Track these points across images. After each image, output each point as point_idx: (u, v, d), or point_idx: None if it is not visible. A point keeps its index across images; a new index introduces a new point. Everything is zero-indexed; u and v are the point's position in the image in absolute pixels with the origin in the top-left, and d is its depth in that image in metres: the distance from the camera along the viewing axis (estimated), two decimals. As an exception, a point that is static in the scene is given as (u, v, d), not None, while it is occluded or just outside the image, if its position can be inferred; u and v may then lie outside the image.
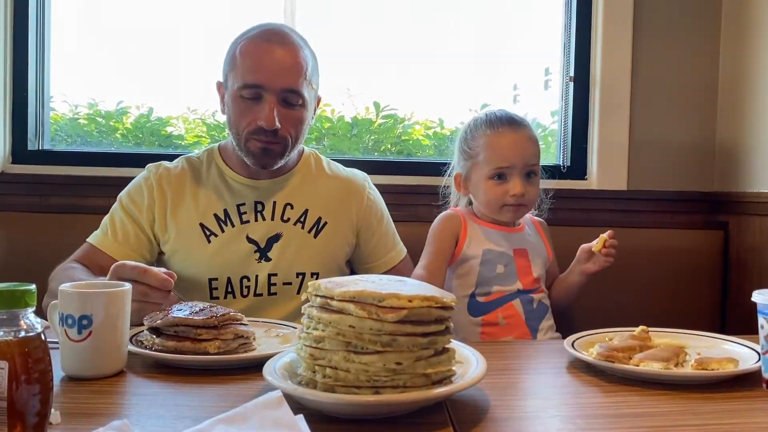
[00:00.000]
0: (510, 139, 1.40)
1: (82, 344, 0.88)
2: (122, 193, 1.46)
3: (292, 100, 1.36)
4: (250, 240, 1.41)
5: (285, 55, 1.35)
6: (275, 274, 1.41)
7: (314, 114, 1.48)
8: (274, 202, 1.44)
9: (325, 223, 1.46)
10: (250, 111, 1.35)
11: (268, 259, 1.41)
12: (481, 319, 1.40)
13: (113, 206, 1.45)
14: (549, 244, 1.52)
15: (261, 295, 1.40)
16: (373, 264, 1.53)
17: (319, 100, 1.49)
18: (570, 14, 1.98)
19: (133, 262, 1.09)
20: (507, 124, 1.41)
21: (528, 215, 1.53)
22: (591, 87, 1.96)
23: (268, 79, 1.33)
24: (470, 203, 1.52)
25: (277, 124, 1.33)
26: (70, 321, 0.88)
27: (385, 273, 1.51)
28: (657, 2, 1.94)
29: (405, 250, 1.58)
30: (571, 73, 1.97)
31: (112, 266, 1.09)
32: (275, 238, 1.42)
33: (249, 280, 1.40)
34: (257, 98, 1.34)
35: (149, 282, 1.05)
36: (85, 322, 0.88)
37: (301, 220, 1.45)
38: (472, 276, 1.42)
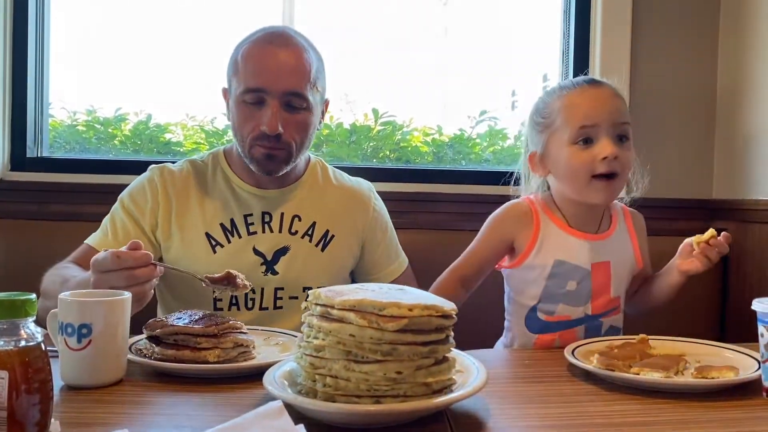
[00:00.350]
0: (592, 95, 1.19)
1: (81, 353, 0.88)
2: (123, 194, 1.42)
3: (295, 103, 1.32)
4: (256, 252, 1.38)
5: (287, 57, 1.31)
6: (282, 288, 1.38)
7: (322, 118, 1.45)
8: (282, 214, 1.41)
9: (333, 236, 1.43)
10: (253, 116, 1.32)
11: (274, 273, 1.38)
12: (537, 337, 1.26)
13: (113, 207, 1.42)
14: (640, 248, 1.31)
15: (267, 309, 1.38)
16: (375, 276, 1.51)
17: (327, 103, 1.46)
18: (569, 21, 1.99)
19: (103, 253, 1.03)
20: (585, 82, 1.22)
21: (621, 205, 1.34)
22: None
23: (270, 82, 1.29)
24: (548, 188, 1.30)
25: (280, 128, 1.30)
26: (69, 330, 0.88)
27: (392, 282, 1.49)
28: (656, 10, 1.95)
29: (406, 261, 1.57)
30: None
31: (92, 264, 1.04)
32: (282, 251, 1.39)
33: (254, 292, 1.37)
34: (260, 103, 1.31)
35: (128, 265, 1.01)
36: (84, 330, 0.87)
37: (309, 233, 1.42)
38: (536, 287, 1.24)
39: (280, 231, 1.40)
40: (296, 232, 1.41)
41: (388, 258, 1.52)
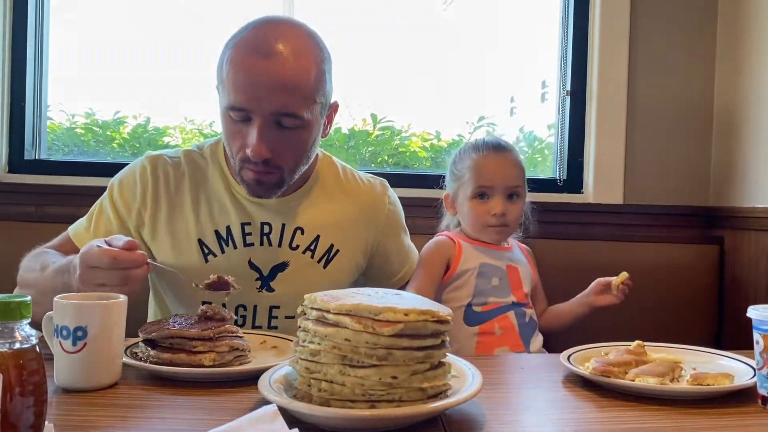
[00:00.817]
0: (493, 162, 1.48)
1: (76, 356, 0.87)
2: (114, 181, 1.31)
3: (286, 123, 1.15)
4: (252, 266, 1.26)
5: (276, 70, 1.12)
6: (277, 307, 1.27)
7: (329, 124, 1.30)
8: (283, 225, 1.28)
9: (337, 251, 1.31)
10: (239, 134, 1.16)
11: (270, 290, 1.26)
12: (478, 328, 1.44)
13: (103, 195, 1.32)
14: (535, 269, 1.58)
15: (260, 327, 1.27)
16: (393, 279, 1.43)
17: (335, 107, 1.29)
18: (567, 28, 2.00)
19: (96, 250, 0.99)
20: (492, 148, 1.50)
21: (515, 242, 1.59)
22: (588, 101, 1.97)
23: (255, 101, 1.12)
24: (459, 225, 1.58)
25: (266, 153, 1.14)
26: (64, 332, 0.88)
27: (405, 284, 1.44)
28: (653, 17, 1.96)
29: (417, 253, 1.49)
30: (568, 87, 1.99)
31: (80, 257, 1.01)
32: (281, 267, 1.27)
33: (246, 309, 1.26)
34: (246, 120, 1.15)
35: (124, 266, 0.98)
36: (80, 333, 0.87)
37: (312, 248, 1.29)
38: (468, 287, 1.46)
39: (279, 245, 1.28)
40: (297, 246, 1.29)
41: (402, 260, 1.44)
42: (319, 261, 1.30)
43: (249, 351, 1.00)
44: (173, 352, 0.94)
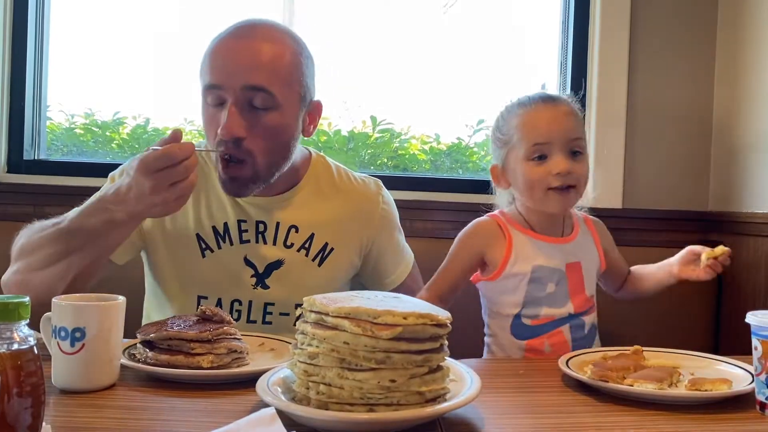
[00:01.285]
0: (547, 114, 1.26)
1: (74, 357, 0.87)
2: (116, 172, 1.31)
3: (259, 102, 1.14)
4: (248, 262, 1.28)
5: (249, 49, 1.14)
6: (272, 304, 1.28)
7: (312, 124, 1.29)
8: (278, 224, 1.29)
9: (332, 249, 1.31)
10: (214, 119, 1.15)
11: (265, 287, 1.27)
12: (525, 343, 1.28)
13: (104, 185, 1.27)
14: (602, 248, 1.37)
15: (254, 322, 1.28)
16: (386, 281, 1.41)
17: (318, 107, 1.29)
18: (567, 33, 2.00)
19: (152, 153, 1.00)
20: (542, 100, 1.28)
21: (580, 213, 1.39)
22: (587, 106, 1.98)
23: (226, 76, 1.13)
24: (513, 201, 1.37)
25: (237, 131, 1.12)
26: (63, 333, 0.87)
27: (400, 285, 1.42)
28: (653, 23, 1.96)
29: (412, 258, 1.47)
30: (568, 92, 1.99)
31: (136, 169, 1.00)
32: (276, 265, 1.28)
33: (240, 304, 1.27)
34: (221, 104, 1.15)
35: (185, 156, 0.99)
36: (78, 334, 0.87)
37: (306, 246, 1.30)
38: (518, 294, 1.28)
39: (274, 243, 1.29)
40: (292, 245, 1.29)
41: (397, 261, 1.42)
42: (313, 259, 1.31)
43: (247, 353, 1.00)
44: (171, 353, 0.94)
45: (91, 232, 1.09)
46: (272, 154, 1.19)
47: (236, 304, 1.28)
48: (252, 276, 1.28)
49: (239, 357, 0.98)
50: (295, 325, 1.24)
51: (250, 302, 1.28)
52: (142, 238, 1.30)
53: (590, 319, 1.32)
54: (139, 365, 0.94)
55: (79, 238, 1.10)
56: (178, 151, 1.00)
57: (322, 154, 1.42)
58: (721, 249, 1.25)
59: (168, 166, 0.99)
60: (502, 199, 1.40)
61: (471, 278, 1.35)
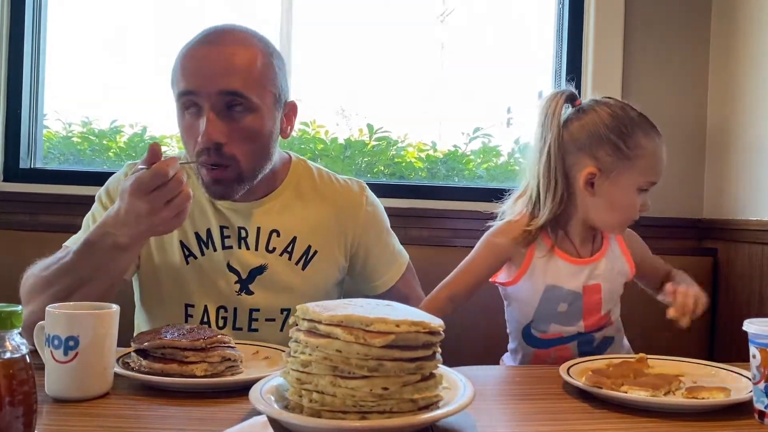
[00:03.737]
0: (662, 152, 1.24)
1: (67, 366, 0.87)
2: (101, 191, 1.33)
3: (235, 106, 1.15)
4: (231, 268, 1.27)
5: (221, 54, 1.15)
6: (257, 310, 1.27)
7: (288, 125, 1.29)
8: (258, 229, 1.28)
9: (315, 252, 1.30)
10: (192, 128, 1.16)
11: (249, 292, 1.27)
12: (534, 350, 1.29)
13: (93, 206, 1.33)
14: (632, 255, 1.31)
15: (240, 329, 1.28)
16: (376, 282, 1.39)
17: (293, 108, 1.29)
18: (561, 41, 2.01)
19: (145, 173, 0.99)
20: (659, 134, 1.24)
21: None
22: (581, 113, 1.98)
23: (201, 82, 1.13)
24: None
25: (216, 136, 1.13)
26: (56, 342, 0.87)
27: (389, 289, 1.39)
28: (647, 31, 1.97)
29: (406, 258, 1.44)
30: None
31: (128, 193, 1.00)
32: (259, 270, 1.28)
33: (226, 311, 1.27)
34: (198, 112, 1.15)
35: (177, 171, 0.99)
36: (71, 343, 0.87)
37: (288, 249, 1.29)
38: (530, 308, 1.26)
39: (256, 248, 1.28)
40: (274, 249, 1.28)
41: (386, 263, 1.39)
42: (297, 263, 1.30)
43: (241, 361, 1.00)
44: (165, 362, 0.94)
45: (98, 260, 1.09)
46: (254, 156, 1.20)
47: (222, 311, 1.28)
48: (236, 282, 1.27)
49: (233, 365, 0.98)
50: (281, 330, 1.27)
51: (236, 309, 1.28)
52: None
53: (602, 333, 1.29)
54: (133, 374, 0.94)
55: (87, 269, 1.10)
56: (167, 167, 1.00)
57: (303, 157, 1.41)
58: (684, 320, 1.17)
59: (160, 185, 1.00)
60: (515, 206, 1.32)
61: (491, 278, 1.31)
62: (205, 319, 1.28)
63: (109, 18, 2.12)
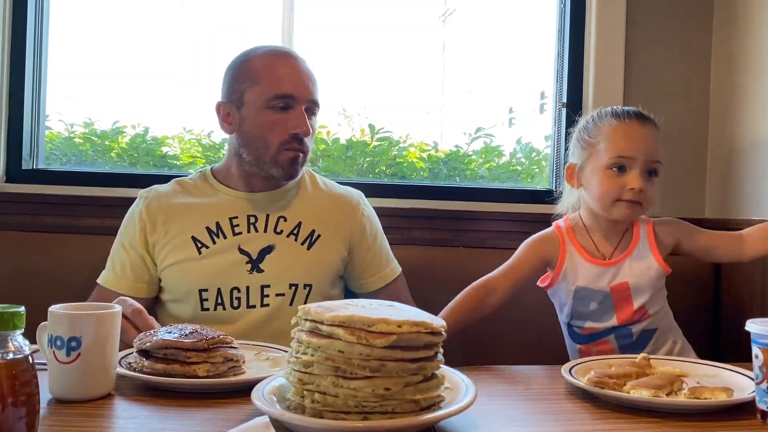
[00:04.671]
0: (637, 131, 1.32)
1: (70, 366, 0.87)
2: (121, 229, 1.48)
3: (313, 110, 1.43)
4: (242, 251, 1.40)
5: (304, 68, 1.43)
6: (268, 286, 1.39)
7: None
8: (268, 215, 1.44)
9: (319, 235, 1.45)
10: (279, 122, 1.38)
11: (260, 271, 1.40)
12: (578, 346, 1.39)
13: (114, 245, 1.47)
14: (661, 249, 1.36)
15: (254, 306, 1.38)
16: (366, 280, 1.52)
17: None
18: (563, 41, 2.01)
19: (133, 302, 1.15)
20: (636, 116, 1.34)
21: (646, 218, 1.41)
22: (583, 113, 1.98)
23: (299, 89, 1.39)
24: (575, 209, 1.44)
25: (309, 131, 1.40)
26: (59, 343, 0.88)
27: (378, 290, 1.51)
28: (649, 31, 1.97)
29: (399, 269, 1.57)
30: (564, 99, 1.99)
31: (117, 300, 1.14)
32: (268, 250, 1.41)
33: (239, 291, 1.38)
34: (286, 108, 1.39)
35: (137, 323, 1.11)
36: (74, 344, 0.87)
37: (295, 232, 1.44)
38: (567, 308, 1.38)
39: (265, 231, 1.43)
40: (281, 231, 1.44)
41: (378, 264, 1.53)
42: (302, 243, 1.44)
43: (243, 362, 1.00)
44: (167, 362, 0.94)
45: None
46: (312, 148, 1.46)
47: (235, 292, 1.39)
48: (247, 263, 1.40)
49: (235, 366, 0.98)
50: (291, 305, 1.39)
51: (248, 287, 1.39)
52: (149, 270, 1.43)
53: (640, 326, 1.35)
54: (135, 374, 0.94)
55: None
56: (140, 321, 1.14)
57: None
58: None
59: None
60: (566, 203, 1.46)
61: (537, 282, 1.42)
62: (219, 301, 1.38)
63: (111, 18, 2.12)
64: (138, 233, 1.42)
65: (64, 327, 0.88)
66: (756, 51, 1.78)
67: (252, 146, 1.41)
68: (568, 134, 1.98)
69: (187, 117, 2.10)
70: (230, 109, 1.43)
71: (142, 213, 1.44)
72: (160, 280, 1.43)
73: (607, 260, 1.35)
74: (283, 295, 1.40)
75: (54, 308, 0.90)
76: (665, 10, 1.97)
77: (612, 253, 1.37)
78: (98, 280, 1.44)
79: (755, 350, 0.88)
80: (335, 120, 2.15)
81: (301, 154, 1.41)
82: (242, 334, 1.30)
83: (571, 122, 1.97)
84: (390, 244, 1.60)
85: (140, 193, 1.49)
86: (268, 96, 1.38)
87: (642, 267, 1.35)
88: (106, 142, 2.10)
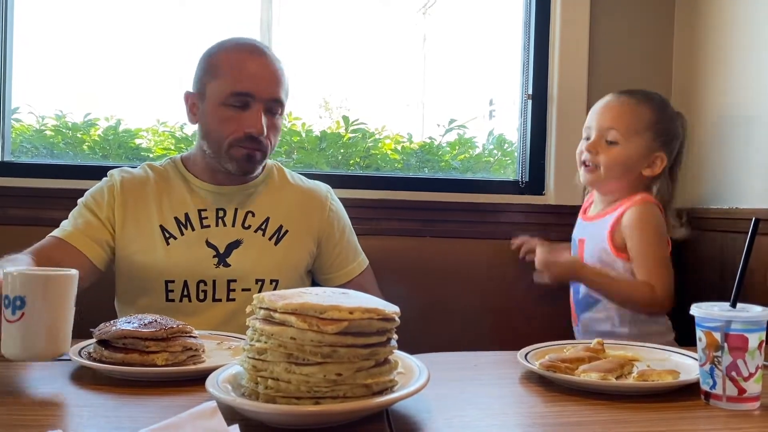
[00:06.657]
0: (601, 103, 1.57)
1: (15, 325, 0.88)
2: (84, 196, 1.46)
3: (274, 109, 1.42)
4: (209, 245, 1.42)
5: (269, 66, 1.41)
6: (234, 280, 1.41)
7: None
8: (236, 209, 1.46)
9: (286, 231, 1.47)
10: (235, 119, 1.38)
11: (227, 265, 1.41)
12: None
13: (74, 209, 1.45)
14: (615, 230, 1.48)
15: (220, 300, 1.41)
16: (333, 274, 1.54)
17: None
18: (528, 33, 2.02)
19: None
20: (613, 94, 1.58)
21: (643, 196, 1.49)
22: (549, 104, 2.00)
23: (258, 88, 1.38)
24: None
25: (264, 130, 1.39)
26: (6, 301, 0.89)
27: (344, 284, 1.53)
28: (612, 22, 1.99)
29: (366, 262, 1.59)
30: (530, 91, 2.01)
31: None
32: (235, 244, 1.43)
33: (206, 284, 1.40)
34: (244, 106, 1.38)
35: None
36: (18, 302, 0.88)
37: (262, 227, 1.46)
38: None
39: (233, 225, 1.44)
40: (249, 226, 1.45)
41: (345, 258, 1.55)
42: (270, 239, 1.46)
43: (203, 351, 1.01)
44: (126, 352, 0.95)
45: None
46: (273, 147, 1.46)
47: (201, 285, 1.40)
48: (214, 256, 1.41)
49: (194, 355, 0.99)
50: (248, 312, 1.35)
51: (214, 281, 1.40)
52: (112, 239, 1.42)
53: (586, 289, 1.51)
54: (94, 364, 0.95)
55: None
56: None
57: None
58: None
59: None
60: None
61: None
62: (185, 293, 1.40)
63: (83, 9, 2.10)
64: (106, 204, 1.42)
65: (11, 286, 0.88)
66: (716, 44, 1.81)
67: (210, 139, 1.42)
68: (534, 126, 2.01)
69: (161, 109, 2.10)
70: (195, 100, 1.44)
71: (114, 188, 1.43)
72: (113, 259, 1.42)
73: (588, 216, 1.59)
74: (249, 290, 1.41)
75: (12, 268, 0.91)
76: (628, 4, 2.00)
77: (596, 213, 1.56)
78: (54, 233, 1.40)
79: (699, 333, 0.90)
80: (316, 112, 2.15)
81: (258, 153, 1.41)
82: (208, 327, 1.29)
83: (537, 114, 2.01)
84: (358, 235, 1.61)
85: (110, 172, 1.49)
86: (226, 93, 1.38)
87: (598, 232, 1.51)
88: (78, 135, 2.09)
